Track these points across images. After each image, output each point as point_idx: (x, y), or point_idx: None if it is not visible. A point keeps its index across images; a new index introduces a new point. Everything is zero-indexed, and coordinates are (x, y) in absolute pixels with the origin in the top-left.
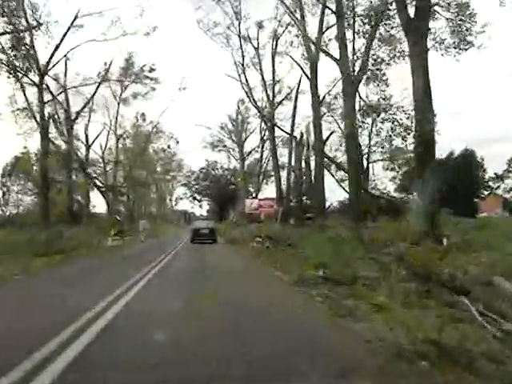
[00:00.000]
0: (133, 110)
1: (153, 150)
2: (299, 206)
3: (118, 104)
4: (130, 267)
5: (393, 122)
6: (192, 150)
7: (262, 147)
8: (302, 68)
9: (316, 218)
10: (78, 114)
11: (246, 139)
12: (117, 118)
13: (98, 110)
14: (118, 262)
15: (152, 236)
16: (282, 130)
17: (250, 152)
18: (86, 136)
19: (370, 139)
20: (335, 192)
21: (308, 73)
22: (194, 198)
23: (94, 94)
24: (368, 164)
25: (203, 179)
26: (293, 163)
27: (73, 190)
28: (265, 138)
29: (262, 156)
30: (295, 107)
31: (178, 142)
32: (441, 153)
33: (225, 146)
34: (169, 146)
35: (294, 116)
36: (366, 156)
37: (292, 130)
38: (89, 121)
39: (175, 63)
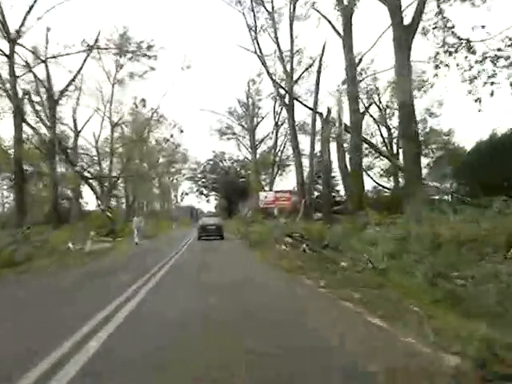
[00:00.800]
0: (130, 96)
1: (154, 141)
2: (327, 197)
3: (113, 86)
4: (85, 302)
5: (495, 64)
6: (198, 140)
7: (277, 134)
8: (331, 24)
9: (354, 212)
10: (62, 92)
11: (257, 125)
12: (111, 103)
13: (90, 94)
14: (76, 286)
15: (152, 236)
16: (304, 104)
17: (263, 139)
18: (74, 121)
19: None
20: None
21: (340, 30)
22: (201, 193)
23: (80, 68)
24: (398, 149)
25: (210, 172)
26: (317, 149)
27: (58, 184)
28: (279, 122)
29: (276, 143)
30: (318, 79)
31: (182, 131)
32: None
33: (234, 134)
34: (172, 136)
35: (317, 90)
36: (395, 140)
37: (315, 107)
38: (77, 103)
39: (176, 38)
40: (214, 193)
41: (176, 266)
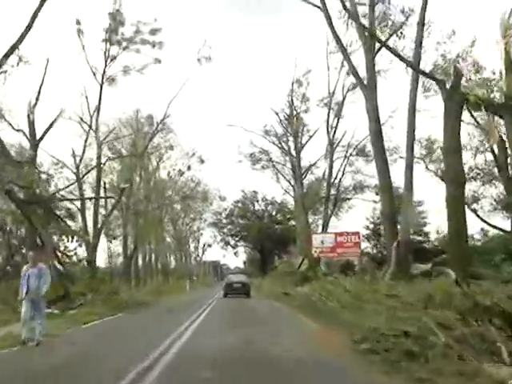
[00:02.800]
0: (131, 110)
1: (166, 174)
2: (461, 228)
3: (101, 86)
4: None
5: None
6: (222, 172)
7: (332, 157)
8: None
9: None
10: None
11: (303, 146)
12: (99, 110)
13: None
14: None
15: (143, 303)
16: (399, 55)
17: (311, 166)
18: (31, 123)
19: None
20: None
21: None
22: (227, 243)
23: (31, 22)
24: None
25: (239, 216)
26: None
27: None
28: (334, 140)
29: (330, 171)
30: (423, 22)
31: (202, 162)
32: None
33: (271, 161)
34: (189, 168)
35: (419, 39)
36: None
37: (417, 65)
38: (37, 99)
39: (190, 20)
40: (242, 243)
41: None
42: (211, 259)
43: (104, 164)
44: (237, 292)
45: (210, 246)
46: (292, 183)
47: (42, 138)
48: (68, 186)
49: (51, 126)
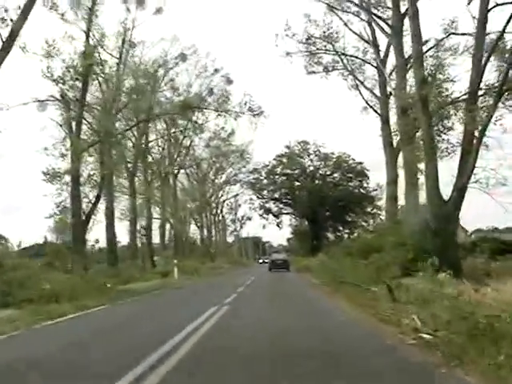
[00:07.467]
0: None
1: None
2: None
3: None
4: None
5: None
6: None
7: (486, 6)
8: None
9: None
10: None
11: (406, 12)
12: None
13: None
14: None
15: None
16: None
17: (426, 51)
18: None
19: None
20: None
21: None
22: (268, 211)
23: None
24: None
25: (283, 175)
26: None
27: None
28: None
29: (482, 31)
30: None
31: (230, 82)
32: None
33: (343, 54)
34: (211, 91)
35: None
36: None
37: None
38: None
39: None
40: (288, 210)
41: None
42: (252, 235)
43: None
44: (279, 267)
45: (249, 218)
46: (377, 93)
47: None
48: None
49: None
